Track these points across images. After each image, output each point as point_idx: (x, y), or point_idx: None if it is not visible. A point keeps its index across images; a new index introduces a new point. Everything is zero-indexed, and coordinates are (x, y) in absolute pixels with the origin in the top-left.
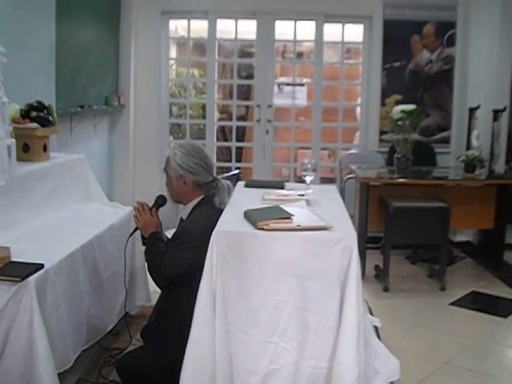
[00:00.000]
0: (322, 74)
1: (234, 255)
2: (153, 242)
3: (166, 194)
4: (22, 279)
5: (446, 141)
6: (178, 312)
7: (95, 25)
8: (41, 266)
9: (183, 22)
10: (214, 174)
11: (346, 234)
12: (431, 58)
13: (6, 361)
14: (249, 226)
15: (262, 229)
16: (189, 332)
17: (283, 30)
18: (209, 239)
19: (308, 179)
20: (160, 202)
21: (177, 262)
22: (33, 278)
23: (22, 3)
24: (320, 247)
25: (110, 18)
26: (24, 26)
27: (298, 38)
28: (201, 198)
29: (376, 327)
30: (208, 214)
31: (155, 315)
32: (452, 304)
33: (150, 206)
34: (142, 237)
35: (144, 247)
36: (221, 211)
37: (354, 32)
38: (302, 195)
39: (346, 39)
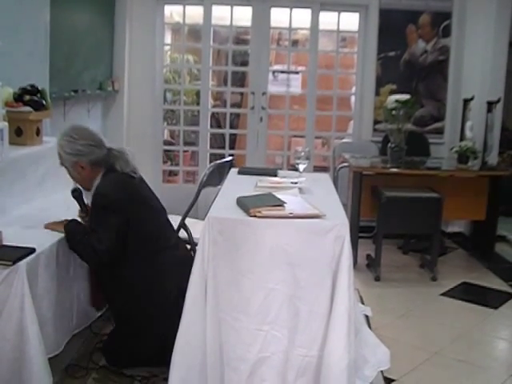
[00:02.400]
0: (316, 62)
1: (226, 242)
2: (70, 229)
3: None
4: (14, 263)
5: (440, 131)
6: (127, 287)
7: (90, 9)
8: (32, 250)
9: (178, 8)
10: (107, 145)
11: (338, 222)
12: (426, 48)
13: None
14: (241, 212)
15: (255, 216)
16: (147, 301)
17: (279, 17)
18: (124, 200)
19: (301, 167)
20: (75, 195)
21: (105, 230)
22: (24, 262)
23: None
24: (312, 235)
25: (105, 2)
26: (18, 10)
27: (294, 25)
28: (102, 173)
29: (367, 316)
30: (114, 177)
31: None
32: (443, 294)
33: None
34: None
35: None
36: (129, 175)
37: (350, 21)
38: (295, 183)
39: (342, 28)
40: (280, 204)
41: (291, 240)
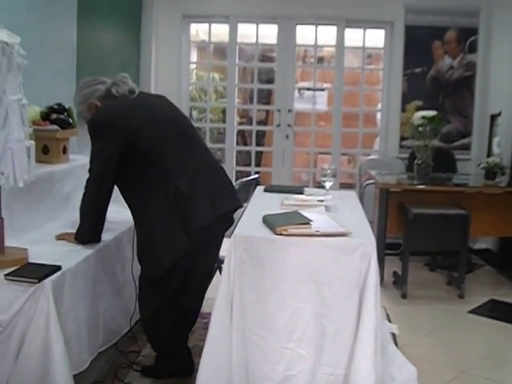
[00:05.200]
0: (342, 79)
1: (253, 260)
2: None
3: None
4: (39, 280)
5: (467, 147)
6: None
7: (116, 28)
8: (58, 268)
9: (204, 26)
10: (105, 78)
11: (364, 240)
12: (453, 64)
13: (21, 362)
14: (267, 231)
15: (281, 234)
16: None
17: (304, 34)
18: (122, 120)
19: (327, 185)
20: None
21: (93, 158)
22: (50, 280)
23: (44, 6)
24: (338, 253)
25: (132, 21)
26: (46, 29)
27: (319, 42)
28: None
29: (393, 334)
30: (106, 103)
31: None
32: (470, 312)
33: None
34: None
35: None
36: (126, 98)
37: (376, 37)
38: (321, 201)
39: (367, 44)
40: (306, 222)
41: (317, 258)
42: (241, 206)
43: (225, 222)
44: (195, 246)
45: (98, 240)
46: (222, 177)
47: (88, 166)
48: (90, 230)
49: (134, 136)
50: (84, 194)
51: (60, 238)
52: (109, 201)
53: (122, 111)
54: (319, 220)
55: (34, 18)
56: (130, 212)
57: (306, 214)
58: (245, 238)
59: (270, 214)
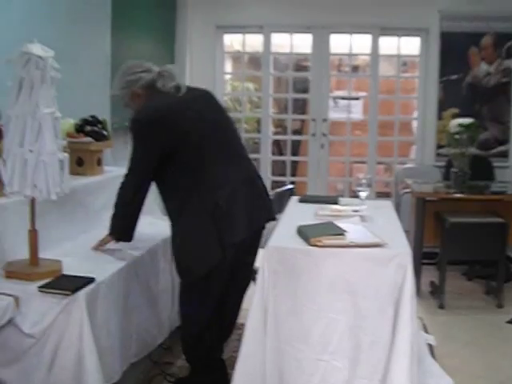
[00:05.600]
0: (377, 87)
1: (287, 271)
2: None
3: None
4: (73, 292)
5: (505, 155)
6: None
7: (150, 39)
8: (91, 280)
9: (238, 37)
10: (157, 69)
11: (400, 251)
12: (489, 70)
13: (55, 374)
14: (301, 242)
15: (315, 245)
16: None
17: (339, 43)
18: (167, 124)
19: (362, 194)
20: None
21: (132, 161)
22: (83, 292)
23: (78, 18)
24: (373, 264)
25: (165, 32)
26: (80, 41)
27: (354, 51)
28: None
29: (430, 345)
30: (153, 101)
31: None
32: (509, 322)
33: None
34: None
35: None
36: (172, 95)
37: (411, 45)
38: (356, 211)
39: (402, 52)
40: (341, 233)
41: (352, 269)
42: (274, 218)
43: (259, 233)
44: (230, 259)
45: (130, 239)
46: (259, 189)
47: (127, 167)
48: (123, 228)
49: (178, 141)
50: (120, 193)
51: (96, 248)
52: (144, 201)
53: (167, 113)
54: (354, 231)
55: (68, 31)
56: (164, 222)
57: (341, 224)
58: (278, 249)
59: (304, 225)
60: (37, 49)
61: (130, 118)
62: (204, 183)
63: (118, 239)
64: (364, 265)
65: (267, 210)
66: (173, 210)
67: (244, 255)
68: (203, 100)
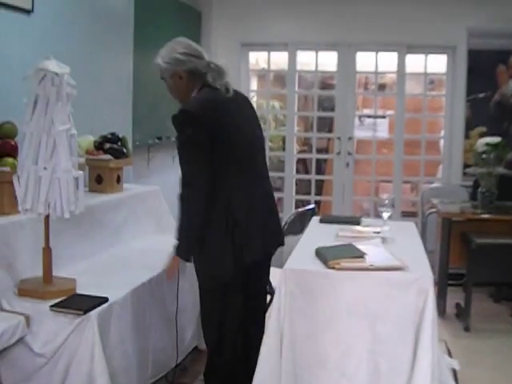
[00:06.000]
0: (404, 105)
1: (304, 294)
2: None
3: None
4: (85, 312)
5: None
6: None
7: None
8: (105, 300)
9: (263, 54)
10: (207, 58)
11: (421, 274)
12: None
13: None
14: (320, 264)
15: (333, 268)
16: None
17: (365, 61)
18: (210, 118)
19: (385, 215)
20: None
21: (196, 165)
22: (95, 312)
23: (101, 36)
24: (394, 288)
25: None
26: (102, 59)
27: (380, 69)
28: (198, 88)
29: (454, 370)
30: (203, 94)
31: None
32: None
33: None
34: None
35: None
36: (220, 93)
37: (438, 62)
38: (378, 232)
39: (429, 70)
40: (360, 255)
41: (371, 293)
42: (283, 244)
43: (269, 256)
44: (242, 277)
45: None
46: (274, 211)
47: (182, 178)
48: (194, 249)
49: (218, 145)
50: (186, 204)
51: (172, 277)
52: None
53: (219, 113)
54: (374, 253)
55: (90, 48)
56: None
57: (361, 246)
58: (296, 271)
59: (322, 247)
60: (52, 65)
61: (181, 108)
62: (226, 195)
63: (187, 260)
64: (384, 288)
65: (279, 234)
66: None
67: (255, 276)
68: (247, 107)
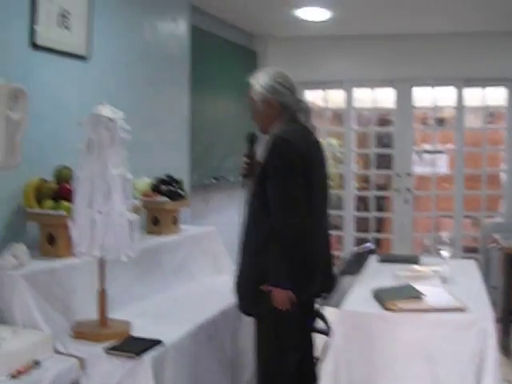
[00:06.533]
0: (463, 139)
1: (360, 336)
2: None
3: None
4: (137, 355)
5: None
6: None
7: (230, 97)
8: (158, 343)
9: (320, 92)
10: (298, 95)
11: (481, 315)
12: None
13: None
14: (377, 305)
15: (390, 309)
16: None
17: (422, 95)
18: (304, 154)
19: (444, 254)
20: (250, 138)
21: (292, 190)
22: (149, 355)
23: (157, 79)
24: (453, 330)
25: (245, 89)
26: (158, 101)
27: (438, 103)
28: (284, 120)
29: None
30: (297, 127)
31: None
32: None
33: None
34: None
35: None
36: (309, 130)
37: (496, 95)
38: (437, 271)
39: (488, 103)
40: (418, 296)
41: (430, 335)
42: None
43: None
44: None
45: None
46: (331, 247)
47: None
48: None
49: (305, 178)
50: (286, 228)
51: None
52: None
53: (309, 148)
54: (433, 293)
55: (147, 91)
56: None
57: (419, 286)
58: (352, 313)
59: (380, 288)
60: (106, 110)
61: (277, 135)
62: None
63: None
64: (443, 330)
65: (334, 279)
66: (261, 233)
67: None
68: (323, 149)
